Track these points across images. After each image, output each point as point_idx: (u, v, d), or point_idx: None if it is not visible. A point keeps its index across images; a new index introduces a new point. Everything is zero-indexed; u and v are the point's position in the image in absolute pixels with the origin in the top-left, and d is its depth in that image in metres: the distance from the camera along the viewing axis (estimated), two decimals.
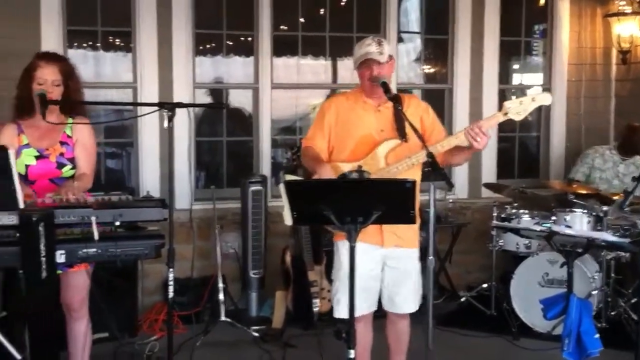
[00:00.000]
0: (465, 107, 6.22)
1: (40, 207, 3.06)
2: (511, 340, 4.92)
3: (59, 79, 3.43)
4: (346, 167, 3.49)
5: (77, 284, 3.46)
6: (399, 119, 3.48)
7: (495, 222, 5.25)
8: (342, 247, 3.58)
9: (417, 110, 3.59)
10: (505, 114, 3.43)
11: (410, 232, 3.58)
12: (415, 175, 3.51)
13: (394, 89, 3.55)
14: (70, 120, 3.50)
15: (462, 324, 5.20)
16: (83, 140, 3.52)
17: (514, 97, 3.48)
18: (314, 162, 3.52)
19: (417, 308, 3.66)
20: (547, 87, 6.56)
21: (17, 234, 2.96)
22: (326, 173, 3.41)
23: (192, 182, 5.62)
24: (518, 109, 3.42)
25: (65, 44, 5.37)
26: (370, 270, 3.52)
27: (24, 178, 3.35)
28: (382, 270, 3.61)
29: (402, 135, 3.47)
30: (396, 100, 3.41)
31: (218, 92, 6.06)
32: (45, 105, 3.34)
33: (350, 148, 3.55)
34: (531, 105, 3.42)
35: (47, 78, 3.39)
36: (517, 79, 6.99)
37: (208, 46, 5.94)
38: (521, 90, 6.79)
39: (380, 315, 3.74)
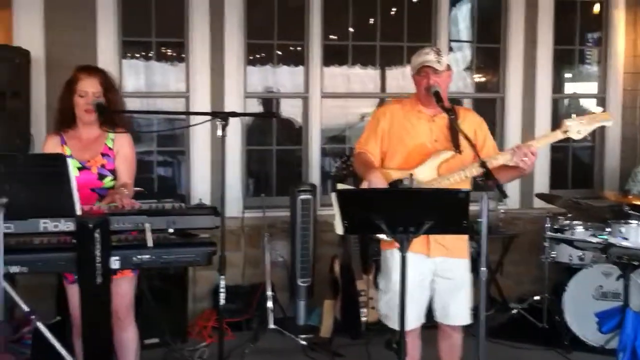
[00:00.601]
0: (517, 116, 6.14)
1: (96, 214, 3.13)
2: (563, 353, 4.82)
3: (99, 90, 3.46)
4: (397, 175, 3.47)
5: (122, 291, 3.43)
6: (454, 130, 3.46)
7: (549, 233, 5.16)
8: (390, 256, 3.55)
9: (472, 125, 3.56)
10: (565, 131, 3.39)
11: (459, 243, 3.54)
12: (466, 186, 3.47)
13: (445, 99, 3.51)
14: (111, 134, 3.53)
15: (513, 336, 5.11)
16: (124, 151, 3.56)
17: (574, 115, 3.40)
18: (364, 168, 3.51)
19: (471, 320, 3.60)
20: (601, 96, 6.43)
21: (74, 240, 3.05)
22: (376, 179, 3.38)
23: (243, 191, 5.67)
24: (578, 128, 3.38)
25: (120, 54, 5.49)
26: (419, 280, 3.48)
27: None
28: (432, 282, 3.57)
29: (456, 146, 3.45)
30: (449, 111, 3.39)
31: (268, 101, 6.11)
32: (103, 114, 3.41)
33: (402, 156, 3.53)
34: (592, 126, 3.39)
35: (88, 90, 3.44)
36: (570, 88, 6.87)
37: (258, 56, 6.00)
38: (575, 100, 6.67)
39: (429, 326, 3.70)
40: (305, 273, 5.36)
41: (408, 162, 3.50)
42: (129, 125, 3.69)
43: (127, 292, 3.49)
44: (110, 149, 3.54)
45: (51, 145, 3.51)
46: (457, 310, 3.57)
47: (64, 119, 3.51)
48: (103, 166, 3.49)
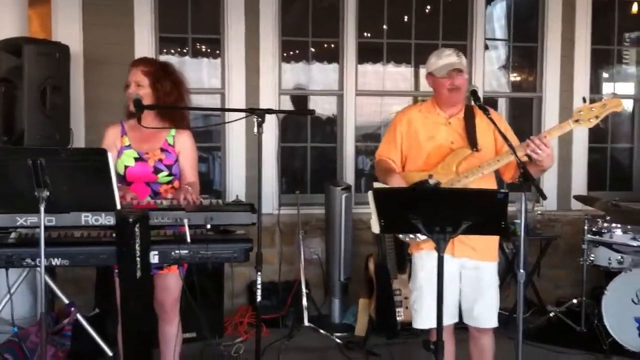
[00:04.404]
0: (554, 116, 6.05)
1: (136, 208, 3.15)
2: (602, 358, 4.74)
3: (144, 80, 3.48)
4: (418, 177, 3.48)
5: (170, 286, 3.52)
6: (471, 129, 3.47)
7: (588, 235, 5.08)
8: (418, 258, 3.57)
9: (490, 123, 3.52)
10: (576, 120, 3.29)
11: (487, 244, 3.51)
12: (489, 185, 3.47)
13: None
14: (173, 130, 3.56)
15: (550, 339, 5.05)
16: (186, 151, 3.58)
17: (584, 103, 3.30)
18: (384, 173, 3.54)
19: (496, 324, 3.56)
20: (639, 98, 6.32)
21: (114, 234, 3.07)
22: (397, 183, 3.40)
23: (277, 187, 5.68)
24: (589, 116, 3.28)
25: (156, 50, 5.54)
26: (446, 280, 3.43)
27: (122, 179, 3.46)
28: (460, 282, 3.54)
29: (474, 145, 3.45)
30: (484, 109, 3.35)
31: (302, 98, 6.11)
32: (141, 109, 3.41)
33: (422, 159, 3.54)
34: (603, 112, 3.28)
35: (132, 80, 3.50)
36: (608, 88, 6.76)
37: (292, 53, 6.00)
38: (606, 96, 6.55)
39: (463, 327, 3.66)
40: (340, 271, 5.35)
41: (427, 165, 3.52)
42: (186, 121, 3.67)
43: (174, 287, 3.54)
44: (170, 145, 3.55)
45: (111, 135, 3.55)
46: (482, 312, 3.54)
47: (127, 111, 3.55)
48: (160, 160, 3.51)
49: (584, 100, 3.30)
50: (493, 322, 3.56)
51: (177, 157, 3.55)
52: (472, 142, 3.45)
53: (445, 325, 3.45)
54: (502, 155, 3.37)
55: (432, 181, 3.41)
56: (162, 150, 3.53)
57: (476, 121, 3.49)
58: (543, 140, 3.24)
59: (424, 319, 3.49)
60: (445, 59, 3.46)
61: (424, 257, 3.50)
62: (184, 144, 3.58)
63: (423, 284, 3.52)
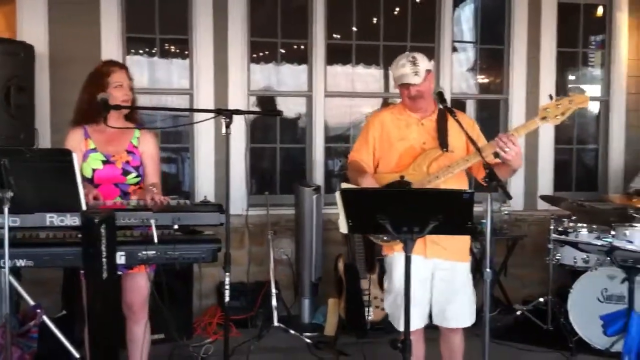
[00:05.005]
0: (521, 118, 6.11)
1: (102, 209, 3.12)
2: (568, 356, 4.80)
3: (129, 84, 3.53)
4: (389, 178, 3.50)
5: (138, 286, 3.51)
6: (442, 130, 3.50)
7: (554, 235, 5.15)
8: (391, 259, 3.58)
9: (464, 126, 3.55)
10: (543, 118, 3.31)
11: (459, 245, 3.54)
12: (460, 184, 3.50)
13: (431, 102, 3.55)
14: (137, 131, 3.57)
15: (517, 338, 5.10)
16: (150, 151, 3.59)
17: (551, 101, 3.32)
18: (356, 174, 3.55)
19: (471, 322, 3.59)
20: (605, 99, 6.43)
21: (79, 235, 3.04)
22: (368, 185, 3.42)
23: (247, 188, 5.67)
24: (555, 113, 3.29)
25: (124, 50, 5.49)
26: (420, 281, 3.47)
27: (89, 181, 3.43)
28: (431, 283, 3.57)
29: (444, 145, 3.48)
30: (450, 111, 3.42)
31: (271, 99, 6.10)
32: (107, 110, 3.40)
33: (394, 161, 3.57)
34: (569, 109, 3.29)
35: (123, 82, 3.49)
36: (574, 90, 6.84)
37: (262, 54, 5.99)
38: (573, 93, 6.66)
39: (433, 326, 3.68)
40: (310, 272, 5.35)
41: (400, 166, 3.54)
42: (140, 123, 3.69)
43: (142, 287, 3.53)
44: (135, 146, 3.56)
45: (74, 139, 3.50)
46: (455, 312, 3.56)
47: (90, 113, 3.48)
48: (128, 162, 3.51)
49: (551, 97, 3.33)
50: (467, 322, 3.58)
51: (141, 158, 3.56)
52: (442, 142, 3.48)
53: (417, 328, 3.50)
54: (471, 155, 3.40)
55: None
56: (128, 152, 3.53)
57: (448, 123, 3.50)
58: (511, 138, 3.25)
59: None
60: (400, 69, 3.47)
61: (397, 260, 3.51)
62: (148, 145, 3.59)
63: (400, 286, 3.52)
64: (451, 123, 3.47)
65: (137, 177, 3.53)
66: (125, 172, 3.49)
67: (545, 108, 3.32)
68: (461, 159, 3.41)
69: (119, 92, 3.46)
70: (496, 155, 3.30)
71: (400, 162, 3.54)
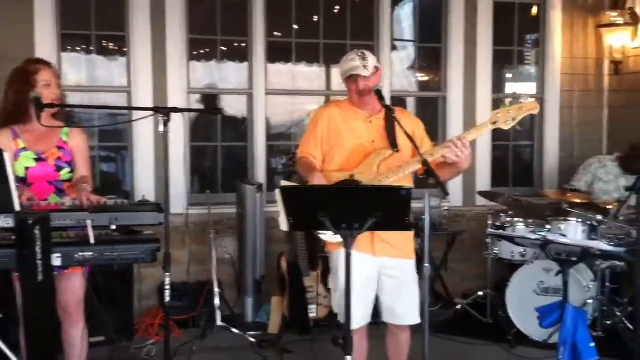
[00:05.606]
0: (459, 115, 6.23)
1: (36, 210, 3.05)
2: (507, 348, 4.91)
3: (57, 82, 3.48)
4: (339, 176, 3.50)
5: (73, 287, 3.45)
6: (391, 130, 3.51)
7: (490, 230, 5.25)
8: (337, 256, 3.58)
9: (408, 125, 3.57)
10: (494, 122, 3.41)
11: (405, 243, 3.57)
12: (408, 183, 3.51)
13: (387, 97, 3.56)
14: (65, 128, 3.54)
15: (458, 331, 5.18)
16: (79, 146, 3.57)
17: (502, 106, 3.45)
18: (307, 172, 3.55)
19: (419, 320, 3.62)
20: (539, 97, 6.56)
21: (13, 237, 2.96)
22: (318, 181, 3.42)
23: (187, 187, 5.61)
24: (506, 118, 3.39)
25: (59, 47, 5.37)
26: (365, 279, 3.51)
27: (22, 180, 3.36)
28: (379, 281, 3.60)
29: (394, 145, 3.50)
30: (389, 109, 3.46)
31: (212, 97, 6.05)
32: (41, 108, 3.34)
33: (342, 158, 3.57)
34: (520, 114, 3.40)
35: (51, 80, 3.43)
36: (510, 88, 7.01)
37: (202, 51, 5.94)
38: (515, 100, 6.83)
39: (377, 324, 3.72)
40: (253, 270, 5.33)
41: (348, 163, 3.54)
42: (68, 119, 3.71)
43: (77, 288, 3.47)
44: (65, 142, 3.52)
45: (3, 140, 3.41)
46: (404, 309, 3.61)
47: (18, 113, 3.42)
48: (60, 158, 3.48)
49: (502, 102, 3.41)
50: (415, 319, 3.62)
51: (72, 153, 3.52)
52: (392, 142, 3.49)
53: (362, 324, 3.54)
54: (424, 154, 3.38)
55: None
56: (59, 148, 3.49)
57: (396, 122, 3.51)
58: (463, 141, 3.32)
59: (353, 320, 3.51)
60: (349, 63, 3.51)
61: (343, 257, 3.51)
62: (77, 139, 3.57)
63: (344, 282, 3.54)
64: (400, 123, 3.48)
65: (70, 172, 3.50)
66: (59, 168, 3.46)
67: (496, 113, 3.42)
68: (413, 160, 3.41)
69: (47, 90, 3.40)
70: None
71: (349, 159, 3.54)
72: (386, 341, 3.76)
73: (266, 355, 4.74)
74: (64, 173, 3.48)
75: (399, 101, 6.24)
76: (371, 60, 3.52)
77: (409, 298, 3.60)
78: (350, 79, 3.51)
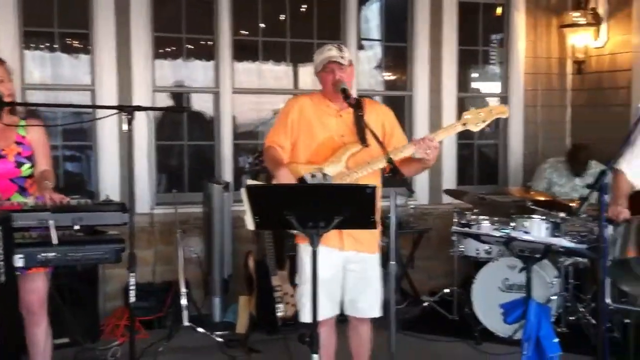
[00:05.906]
0: (424, 114, 6.28)
1: None
2: (473, 345, 4.95)
3: (7, 77, 3.42)
4: (306, 170, 3.51)
5: (36, 287, 3.40)
6: (360, 125, 3.51)
7: (456, 227, 5.30)
8: (304, 251, 3.58)
9: (379, 116, 3.63)
10: (464, 124, 3.48)
11: (370, 238, 3.59)
12: (376, 181, 3.52)
13: (354, 95, 3.57)
14: (22, 121, 3.49)
15: (425, 328, 5.22)
16: (38, 139, 3.52)
17: (472, 108, 3.51)
18: (273, 165, 3.53)
19: (380, 313, 3.67)
20: (504, 96, 6.64)
21: None
22: (284, 177, 3.41)
23: (153, 186, 5.56)
24: (476, 120, 3.47)
25: (21, 45, 5.29)
26: (332, 274, 3.52)
27: None
28: (343, 275, 3.61)
29: (363, 140, 3.50)
30: (356, 106, 3.45)
31: (179, 95, 6.01)
32: (2, 107, 3.31)
33: (311, 150, 3.57)
34: (489, 117, 3.47)
35: (4, 77, 3.39)
36: (475, 87, 7.08)
37: (168, 50, 5.89)
38: (480, 99, 6.90)
39: (343, 319, 3.74)
40: (220, 270, 5.31)
41: (317, 156, 3.55)
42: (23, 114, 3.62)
43: (40, 288, 3.43)
44: (23, 137, 3.47)
45: None
46: (366, 303, 3.63)
47: None
48: (19, 154, 3.43)
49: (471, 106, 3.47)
50: (376, 312, 3.65)
51: (32, 147, 3.48)
52: (361, 137, 3.50)
53: (328, 317, 3.54)
54: (392, 151, 3.40)
55: (318, 176, 3.44)
56: (18, 143, 3.44)
57: (365, 117, 3.50)
58: (434, 142, 3.38)
59: (319, 312, 3.51)
60: (326, 52, 3.52)
61: (309, 250, 3.51)
62: (35, 133, 3.51)
63: (310, 277, 3.54)
64: (368, 118, 3.49)
65: (31, 167, 3.45)
66: (19, 164, 3.41)
67: (466, 114, 3.48)
68: (381, 157, 3.41)
69: (2, 86, 3.35)
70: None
71: (317, 152, 3.55)
72: (348, 335, 3.78)
73: (234, 355, 4.72)
74: (25, 169, 3.43)
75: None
76: (347, 53, 3.56)
77: (371, 291, 3.63)
78: (326, 68, 3.51)
